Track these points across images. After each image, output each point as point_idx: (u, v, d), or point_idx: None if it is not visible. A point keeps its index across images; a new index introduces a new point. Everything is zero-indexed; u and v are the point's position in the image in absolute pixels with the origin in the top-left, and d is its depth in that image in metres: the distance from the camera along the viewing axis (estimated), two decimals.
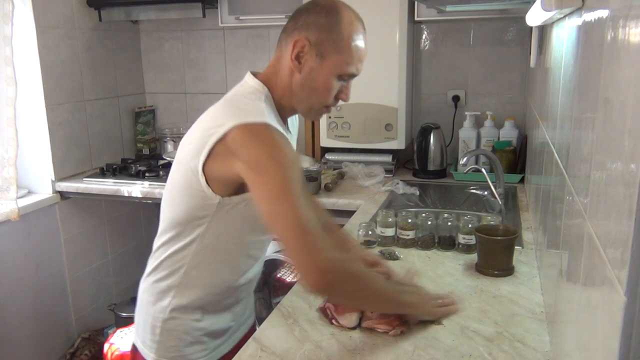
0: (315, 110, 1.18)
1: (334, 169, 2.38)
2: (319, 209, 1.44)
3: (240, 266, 1.23)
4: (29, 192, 2.43)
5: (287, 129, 1.21)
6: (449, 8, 2.15)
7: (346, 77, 1.14)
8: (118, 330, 2.27)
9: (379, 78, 2.34)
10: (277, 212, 1.00)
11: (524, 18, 1.58)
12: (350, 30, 1.11)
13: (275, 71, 1.16)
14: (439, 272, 1.40)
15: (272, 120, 1.08)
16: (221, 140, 1.04)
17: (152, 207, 2.94)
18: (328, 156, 2.52)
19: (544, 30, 1.67)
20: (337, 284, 1.00)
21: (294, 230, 0.98)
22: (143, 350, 1.26)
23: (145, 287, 1.26)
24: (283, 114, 1.19)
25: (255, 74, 1.18)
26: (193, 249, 1.17)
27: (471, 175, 2.26)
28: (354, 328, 1.11)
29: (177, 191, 1.16)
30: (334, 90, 1.15)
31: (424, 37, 2.58)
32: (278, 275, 2.17)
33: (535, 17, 1.25)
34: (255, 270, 1.29)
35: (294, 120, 1.34)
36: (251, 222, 1.14)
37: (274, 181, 1.00)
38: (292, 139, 1.26)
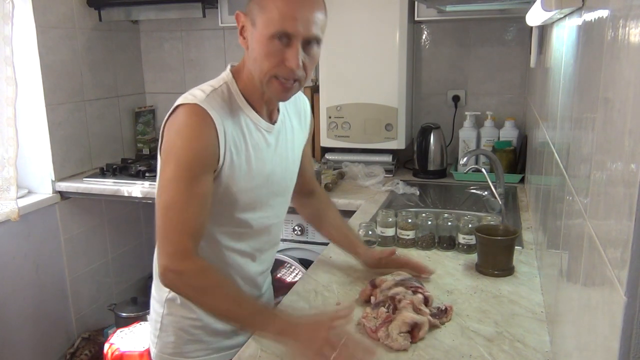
0: (266, 82, 1.09)
1: (334, 169, 2.38)
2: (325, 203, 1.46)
3: (228, 262, 1.21)
4: (29, 192, 2.43)
5: (260, 118, 1.16)
6: (449, 8, 2.15)
7: (280, 36, 1.04)
8: (118, 330, 2.27)
9: (379, 78, 2.34)
10: (156, 205, 1.08)
11: (524, 18, 1.58)
12: None
13: (244, 59, 1.16)
14: (439, 272, 1.40)
15: (214, 104, 1.08)
16: (166, 123, 1.11)
17: (152, 207, 2.92)
18: (328, 156, 2.52)
19: (544, 30, 1.67)
20: (173, 289, 1.10)
21: (157, 230, 1.07)
22: (150, 344, 1.30)
23: (153, 282, 1.30)
24: (256, 101, 1.15)
25: (233, 66, 1.19)
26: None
27: (471, 175, 2.26)
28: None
29: (159, 180, 1.19)
30: (273, 56, 1.05)
31: (424, 37, 2.58)
32: (278, 275, 2.17)
33: (535, 17, 1.25)
34: (255, 270, 1.27)
35: (301, 112, 1.32)
36: (216, 213, 1.13)
37: (164, 175, 1.07)
38: (282, 130, 1.23)
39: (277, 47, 1.05)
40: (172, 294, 1.22)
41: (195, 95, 1.09)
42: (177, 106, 1.09)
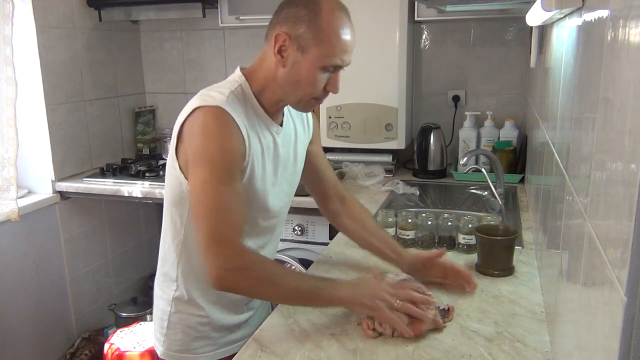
0: (304, 102, 1.17)
1: (334, 169, 2.38)
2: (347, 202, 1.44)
3: None
4: (29, 192, 2.42)
5: (272, 120, 1.19)
6: (449, 8, 2.15)
7: (330, 68, 1.11)
8: (118, 330, 2.27)
9: (379, 78, 2.34)
10: (196, 210, 1.08)
11: (524, 18, 1.58)
12: (330, 21, 1.08)
13: (260, 64, 1.17)
14: None
15: (234, 106, 1.09)
16: (184, 123, 1.11)
17: (152, 207, 2.95)
18: (328, 156, 2.50)
19: (544, 30, 1.67)
20: (233, 288, 1.09)
21: (204, 234, 1.06)
22: (155, 344, 1.30)
23: (156, 281, 1.30)
24: (269, 105, 1.18)
25: (243, 68, 1.20)
26: (181, 238, 1.20)
27: (471, 175, 2.26)
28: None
29: (166, 179, 1.20)
30: (320, 83, 1.12)
31: (424, 37, 2.58)
32: None
33: (535, 17, 1.25)
34: None
35: (304, 116, 1.34)
36: None
37: (200, 178, 1.07)
38: (287, 132, 1.25)
39: (325, 76, 1.12)
40: (179, 292, 1.22)
41: (214, 97, 1.09)
42: (196, 108, 1.09)
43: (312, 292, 1.10)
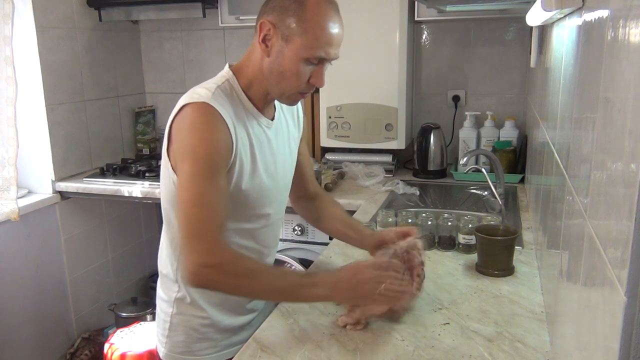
0: (288, 95, 1.16)
1: (334, 169, 2.38)
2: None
3: None
4: (29, 192, 2.42)
5: (261, 114, 1.19)
6: (449, 8, 2.15)
7: (314, 61, 1.10)
8: (118, 330, 2.27)
9: (379, 78, 2.34)
10: (178, 205, 1.08)
11: (524, 18, 1.59)
12: (315, 12, 1.07)
13: (248, 57, 1.17)
14: (439, 272, 1.40)
15: (220, 101, 1.09)
16: (172, 122, 1.11)
17: (152, 207, 2.95)
18: (328, 156, 2.52)
19: (544, 30, 1.67)
20: (208, 284, 1.07)
21: (182, 229, 1.06)
22: (158, 345, 1.30)
23: (158, 282, 1.30)
24: (257, 99, 1.18)
25: (231, 65, 1.20)
26: (179, 239, 1.19)
27: (471, 175, 2.26)
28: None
29: (161, 179, 1.20)
30: (304, 75, 1.11)
31: (424, 37, 2.58)
32: None
33: (535, 17, 1.25)
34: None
35: (294, 110, 1.34)
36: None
37: (184, 173, 1.07)
38: (279, 127, 1.25)
39: (309, 68, 1.11)
40: (182, 293, 1.22)
41: (200, 94, 1.09)
42: (184, 106, 1.09)
43: (292, 291, 1.09)
